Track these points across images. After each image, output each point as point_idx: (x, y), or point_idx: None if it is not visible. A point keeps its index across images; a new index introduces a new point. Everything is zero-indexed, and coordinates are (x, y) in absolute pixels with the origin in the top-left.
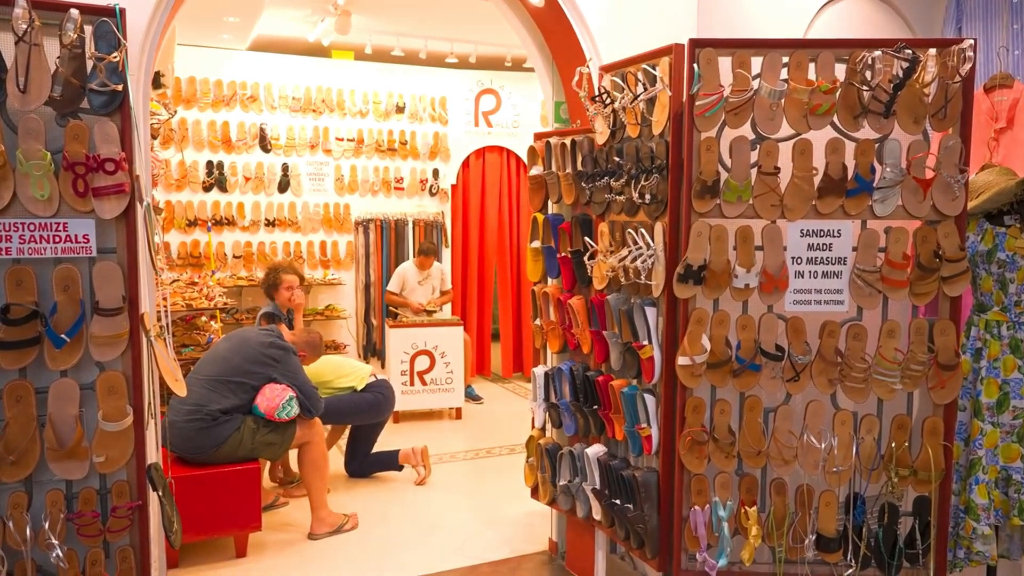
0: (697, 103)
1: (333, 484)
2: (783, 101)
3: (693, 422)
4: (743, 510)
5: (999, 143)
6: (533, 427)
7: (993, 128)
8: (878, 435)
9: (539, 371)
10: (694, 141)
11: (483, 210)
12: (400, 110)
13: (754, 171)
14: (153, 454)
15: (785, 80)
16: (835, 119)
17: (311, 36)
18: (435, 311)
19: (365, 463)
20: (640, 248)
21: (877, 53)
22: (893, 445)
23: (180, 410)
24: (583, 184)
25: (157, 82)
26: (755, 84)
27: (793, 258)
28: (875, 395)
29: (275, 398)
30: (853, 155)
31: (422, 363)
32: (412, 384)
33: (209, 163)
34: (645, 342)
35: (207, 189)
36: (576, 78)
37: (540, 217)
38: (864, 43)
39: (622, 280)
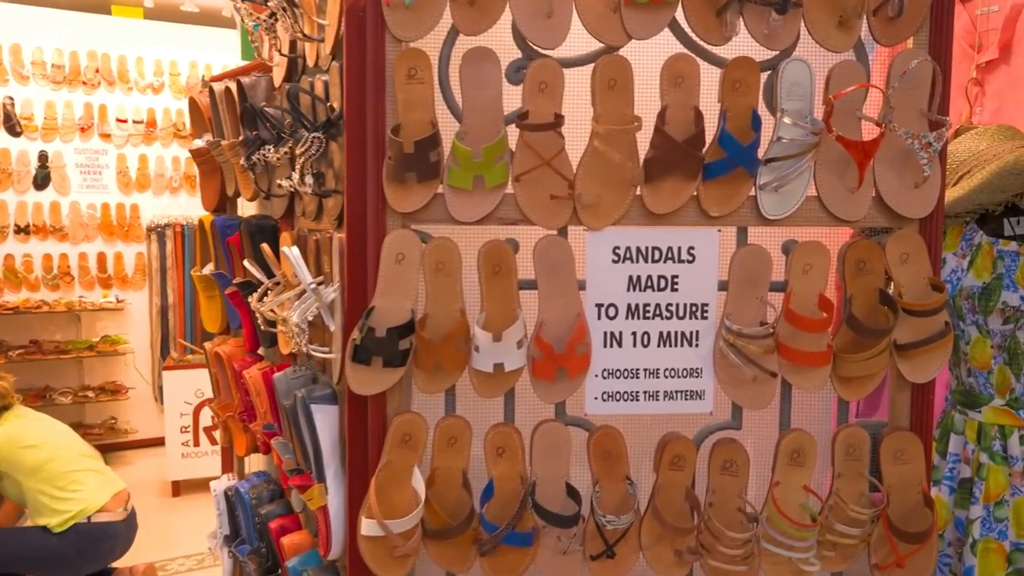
0: None
1: None
2: None
3: None
4: None
5: (983, 87)
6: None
7: (974, 63)
8: None
9: (218, 487)
10: (385, 61)
11: None
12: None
13: (512, 128)
14: None
15: None
16: (678, 15)
17: None
18: None
19: None
20: (298, 286)
21: None
22: None
23: None
24: (244, 162)
25: None
26: None
27: (600, 306)
28: None
29: None
30: (717, 93)
31: (210, 416)
32: (197, 444)
33: None
34: (315, 477)
35: None
36: None
37: (207, 221)
38: None
39: (292, 347)
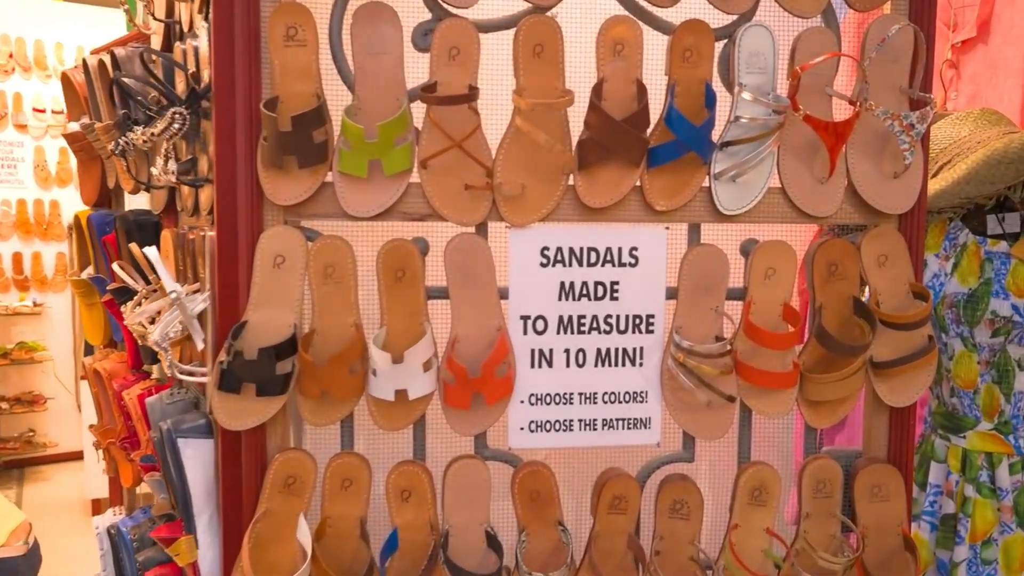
0: None
1: None
2: None
3: None
4: None
5: (959, 70)
6: None
7: (949, 43)
8: None
9: (102, 523)
10: (259, 18)
11: None
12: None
13: (418, 103)
14: None
15: None
16: None
17: None
18: None
19: None
20: (165, 294)
21: None
22: None
23: None
24: (113, 147)
25: None
26: None
27: (525, 318)
28: None
29: None
30: (664, 64)
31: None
32: None
33: None
34: (185, 527)
35: None
36: None
37: (83, 218)
38: None
39: (165, 368)
